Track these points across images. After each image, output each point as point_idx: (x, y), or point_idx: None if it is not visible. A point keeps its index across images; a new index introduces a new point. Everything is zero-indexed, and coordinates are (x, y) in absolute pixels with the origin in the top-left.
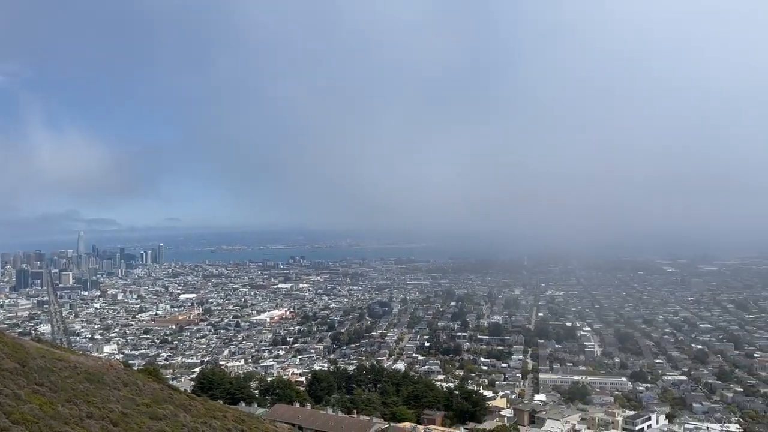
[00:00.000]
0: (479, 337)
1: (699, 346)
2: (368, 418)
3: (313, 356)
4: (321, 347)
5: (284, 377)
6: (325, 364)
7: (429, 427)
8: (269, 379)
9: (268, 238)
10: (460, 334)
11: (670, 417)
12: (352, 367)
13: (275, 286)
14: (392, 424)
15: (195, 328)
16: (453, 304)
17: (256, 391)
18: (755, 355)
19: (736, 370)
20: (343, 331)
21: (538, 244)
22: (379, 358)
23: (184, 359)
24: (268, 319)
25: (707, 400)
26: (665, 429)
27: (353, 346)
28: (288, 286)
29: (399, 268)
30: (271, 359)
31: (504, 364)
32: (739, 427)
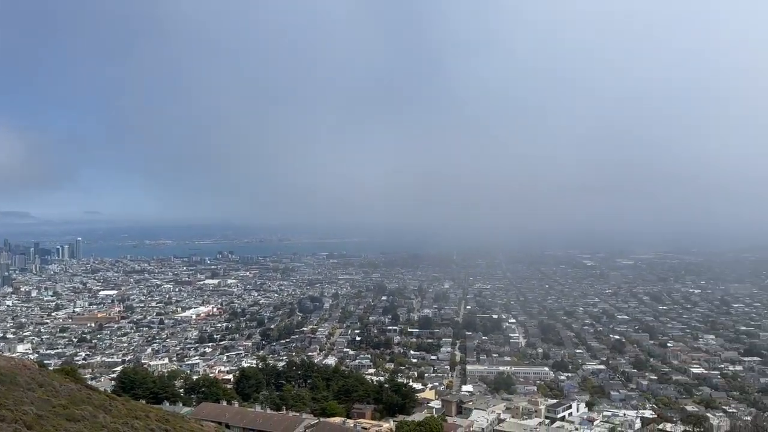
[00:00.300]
0: (409, 330)
1: (616, 337)
2: (298, 414)
3: (241, 353)
4: (250, 344)
5: (211, 375)
6: (254, 361)
7: (359, 421)
8: (195, 377)
9: (194, 233)
10: (390, 327)
11: (589, 405)
12: (281, 364)
13: (202, 282)
14: (322, 419)
15: (116, 326)
16: (384, 298)
17: (181, 390)
18: (668, 344)
19: (651, 359)
20: (272, 327)
21: (466, 239)
22: (309, 354)
23: (104, 358)
24: (194, 316)
25: (624, 387)
26: (585, 416)
27: (283, 342)
28: (215, 281)
29: (331, 263)
30: (197, 357)
31: (433, 357)
32: (653, 413)
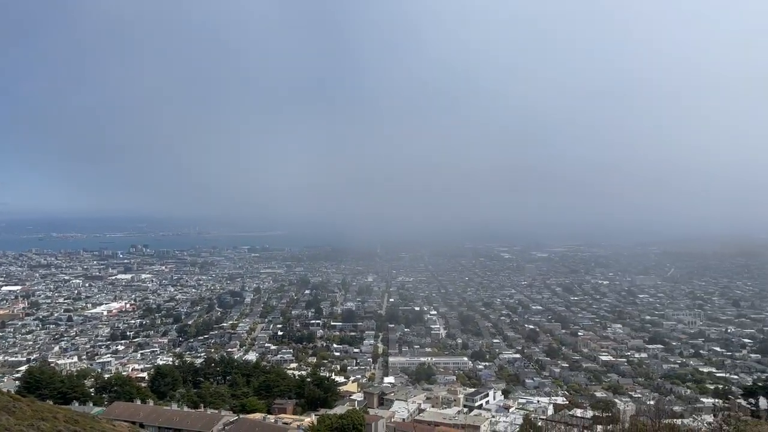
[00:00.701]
0: (333, 324)
1: (531, 326)
2: (216, 411)
3: (156, 351)
4: (165, 341)
5: (123, 374)
6: (170, 359)
7: (280, 416)
8: (107, 376)
9: (106, 226)
10: (314, 321)
11: (505, 392)
12: (199, 361)
13: (114, 277)
14: (242, 415)
15: (19, 323)
16: (307, 292)
17: (92, 390)
18: (579, 333)
19: (563, 348)
20: (190, 323)
21: (390, 233)
22: (229, 350)
23: (7, 357)
24: (105, 313)
25: (538, 375)
26: (501, 404)
27: (201, 338)
28: (128, 276)
29: (252, 256)
30: (109, 355)
31: (356, 350)
32: (564, 399)
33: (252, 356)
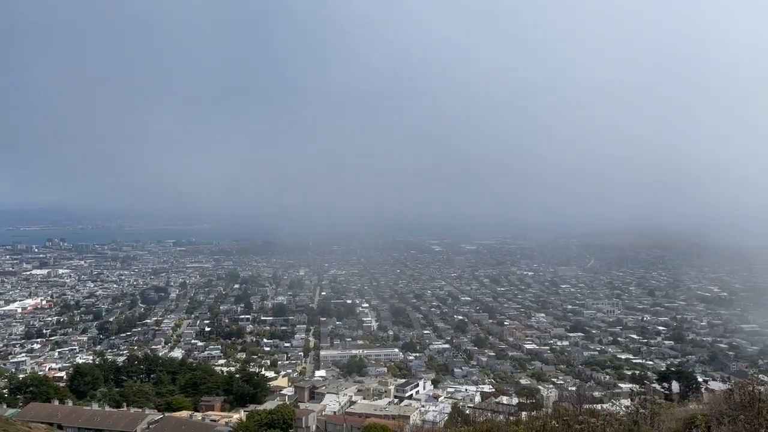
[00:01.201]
0: (263, 318)
1: (460, 317)
2: (140, 410)
3: (75, 349)
4: (85, 339)
5: (40, 373)
6: (90, 357)
7: (207, 413)
8: (21, 376)
9: (20, 218)
10: (243, 316)
11: (435, 382)
12: (122, 358)
13: (28, 273)
14: (167, 414)
15: None
16: (237, 286)
17: (5, 391)
18: (505, 323)
19: (490, 337)
20: (111, 320)
21: (322, 226)
22: (153, 347)
23: None
24: (19, 310)
25: (466, 364)
26: (431, 393)
27: (124, 335)
28: (44, 272)
29: (178, 250)
30: (24, 354)
31: (287, 344)
32: (491, 387)
33: (178, 353)
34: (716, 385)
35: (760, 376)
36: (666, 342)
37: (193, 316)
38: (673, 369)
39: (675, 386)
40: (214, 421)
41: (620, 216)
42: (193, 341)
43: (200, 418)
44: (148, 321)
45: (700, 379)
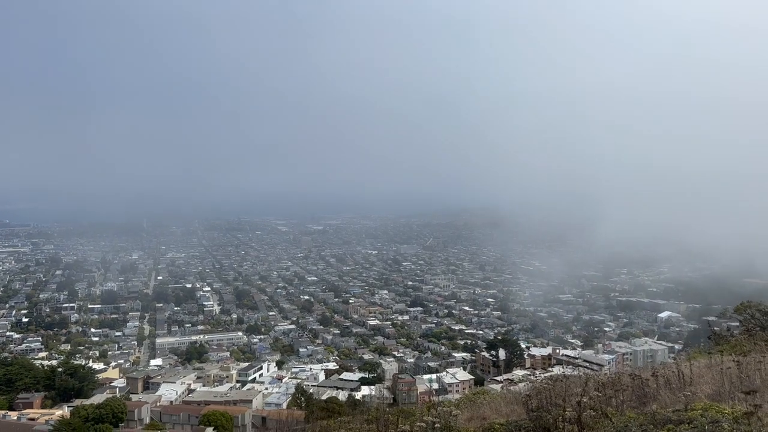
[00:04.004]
0: (90, 306)
1: (306, 297)
2: None
3: None
4: None
5: None
6: None
7: (24, 412)
8: None
9: None
10: (67, 305)
11: (279, 364)
12: None
13: None
14: None
15: None
16: (59, 272)
17: None
18: (350, 301)
19: (335, 315)
20: None
21: (158, 207)
22: None
23: None
24: None
25: (312, 344)
26: (275, 375)
27: None
28: None
29: None
30: None
31: (118, 333)
32: (335, 364)
33: None
34: (537, 351)
35: (573, 340)
36: (494, 313)
37: (7, 305)
38: (500, 338)
39: (502, 353)
40: (33, 419)
41: (458, 195)
42: (8, 333)
43: (15, 417)
44: None
45: (523, 346)
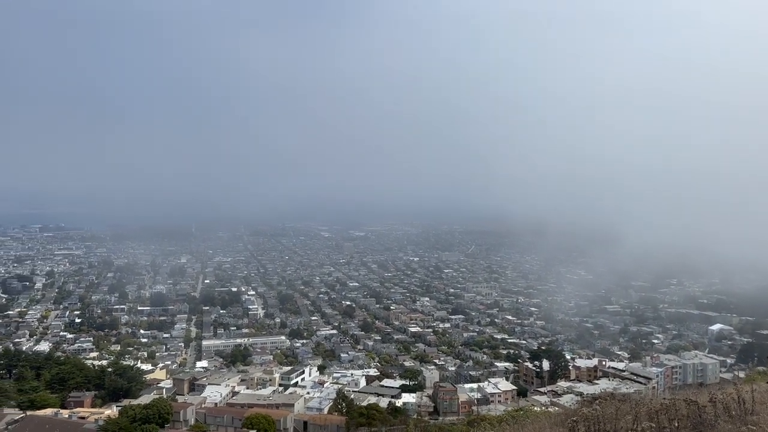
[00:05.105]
0: (140, 308)
1: (348, 303)
2: None
3: None
4: None
5: None
6: None
7: (75, 410)
8: None
9: None
10: (118, 306)
11: (321, 368)
12: None
13: None
14: (29, 412)
15: None
16: (111, 275)
17: None
18: (391, 307)
19: (377, 322)
20: None
21: (207, 212)
22: (16, 341)
23: None
24: None
25: (353, 349)
26: (316, 380)
27: None
28: None
29: (45, 236)
30: None
31: (166, 335)
32: (376, 370)
33: (44, 346)
34: (582, 363)
35: (620, 352)
36: (538, 322)
37: (61, 306)
38: (543, 348)
39: (545, 364)
40: (83, 418)
41: (500, 204)
42: (61, 334)
43: (67, 415)
44: (11, 312)
45: (568, 357)
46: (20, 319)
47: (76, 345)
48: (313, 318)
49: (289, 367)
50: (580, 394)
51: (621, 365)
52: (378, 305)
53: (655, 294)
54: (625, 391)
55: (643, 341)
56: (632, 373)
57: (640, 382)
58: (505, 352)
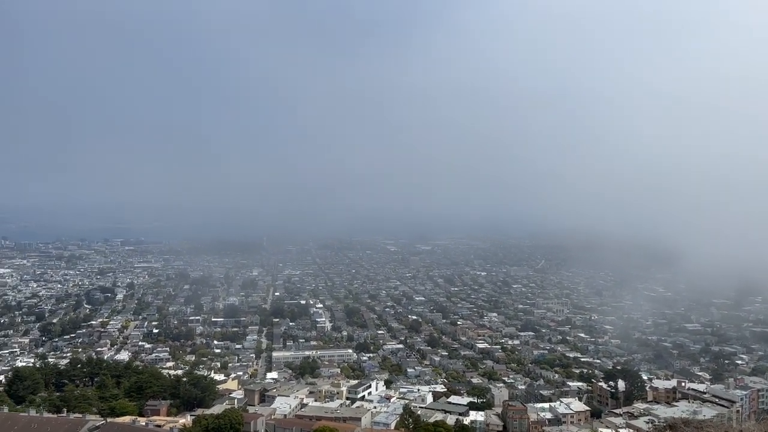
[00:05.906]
0: (214, 319)
1: (414, 317)
2: (81, 415)
3: (16, 351)
4: (27, 341)
5: None
6: (32, 360)
7: (152, 418)
8: None
9: None
10: (193, 318)
11: (388, 383)
12: (64, 362)
13: None
14: (110, 419)
15: None
16: (187, 287)
17: None
18: (458, 322)
19: (443, 337)
20: (54, 321)
21: (277, 226)
22: (98, 350)
23: None
24: None
25: (419, 364)
26: (383, 394)
27: (67, 337)
28: None
29: (126, 249)
30: None
31: (238, 346)
32: (443, 386)
33: (124, 356)
34: (660, 383)
35: (701, 373)
36: (613, 341)
37: (140, 317)
38: (619, 367)
39: (621, 384)
40: (159, 426)
41: (571, 218)
42: (140, 343)
43: (144, 423)
44: (94, 322)
45: (645, 377)
46: (102, 329)
47: (153, 354)
48: (380, 332)
49: (356, 381)
50: (657, 416)
51: (702, 387)
52: (444, 320)
53: (738, 312)
54: (706, 415)
55: (726, 362)
56: (714, 396)
57: (723, 405)
58: (577, 371)
